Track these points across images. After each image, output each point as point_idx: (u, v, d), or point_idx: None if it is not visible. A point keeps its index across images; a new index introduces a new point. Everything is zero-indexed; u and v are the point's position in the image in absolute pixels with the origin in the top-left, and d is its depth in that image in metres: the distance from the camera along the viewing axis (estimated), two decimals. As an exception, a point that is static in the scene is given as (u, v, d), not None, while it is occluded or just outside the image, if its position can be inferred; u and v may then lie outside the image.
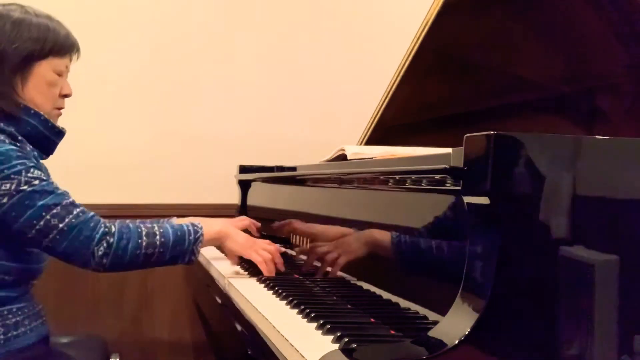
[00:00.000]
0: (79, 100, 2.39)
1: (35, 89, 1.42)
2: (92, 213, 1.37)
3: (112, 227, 1.36)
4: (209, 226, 1.49)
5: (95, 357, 1.72)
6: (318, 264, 1.50)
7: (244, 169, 2.36)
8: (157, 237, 1.38)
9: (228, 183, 2.44)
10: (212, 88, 2.60)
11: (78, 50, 1.50)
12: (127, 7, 2.50)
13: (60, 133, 1.49)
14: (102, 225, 1.35)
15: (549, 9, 1.68)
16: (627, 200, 0.93)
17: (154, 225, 1.43)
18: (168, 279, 2.45)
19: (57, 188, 1.35)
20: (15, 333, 1.36)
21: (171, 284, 2.47)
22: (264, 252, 1.52)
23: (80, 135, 2.43)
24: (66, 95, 1.50)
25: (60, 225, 1.31)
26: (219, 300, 1.57)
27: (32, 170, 1.32)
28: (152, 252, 1.38)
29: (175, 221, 1.67)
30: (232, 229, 1.55)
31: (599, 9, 1.63)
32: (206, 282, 1.78)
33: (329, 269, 1.44)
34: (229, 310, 1.43)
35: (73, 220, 1.32)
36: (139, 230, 1.38)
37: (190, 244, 1.42)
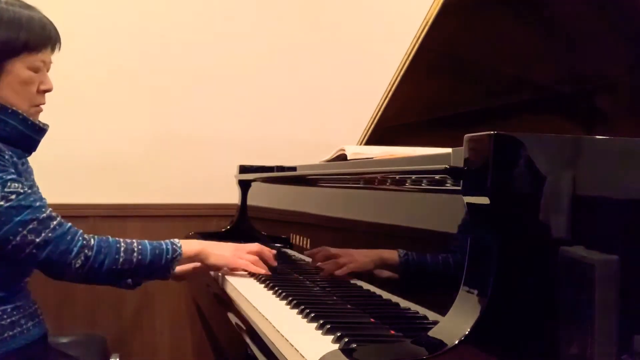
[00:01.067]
0: (78, 100, 2.41)
1: (8, 88, 1.34)
2: (69, 225, 1.36)
3: (92, 240, 1.36)
4: (188, 245, 1.49)
5: (95, 357, 1.72)
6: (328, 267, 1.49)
7: (244, 169, 2.36)
8: (135, 254, 1.39)
9: (228, 183, 2.44)
10: (212, 88, 2.60)
11: (57, 41, 1.40)
12: (128, 7, 2.50)
13: (41, 130, 1.43)
14: (81, 238, 1.35)
15: (549, 9, 1.68)
16: (627, 200, 0.93)
17: (134, 241, 1.42)
18: (168, 279, 2.45)
19: (34, 201, 1.32)
20: (11, 333, 1.36)
21: (171, 284, 2.46)
22: (249, 255, 1.54)
23: (80, 136, 2.43)
24: (46, 91, 1.41)
25: (37, 240, 1.30)
26: (219, 300, 1.57)
27: (9, 184, 1.29)
28: (127, 268, 1.39)
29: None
30: (212, 245, 1.53)
31: (599, 9, 1.63)
32: (206, 282, 1.78)
33: (333, 268, 1.42)
34: (229, 310, 1.43)
35: (50, 234, 1.31)
36: (118, 245, 1.38)
37: (167, 262, 1.43)
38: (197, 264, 1.55)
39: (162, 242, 1.45)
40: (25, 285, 1.45)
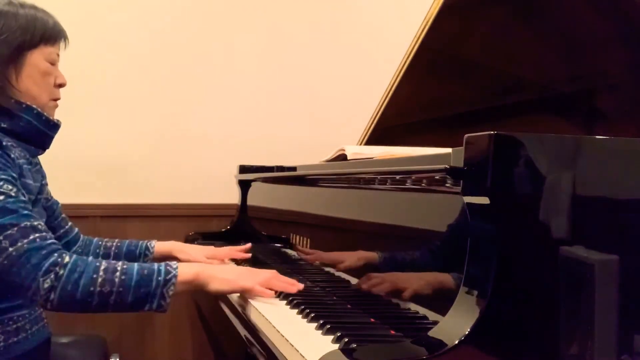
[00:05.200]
0: (79, 100, 2.40)
1: (30, 80, 1.36)
2: (50, 241, 1.21)
3: (67, 257, 1.19)
4: (186, 267, 1.28)
5: (95, 357, 1.72)
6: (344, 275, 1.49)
7: (244, 169, 2.36)
8: (118, 273, 1.20)
9: (228, 183, 2.44)
10: (212, 88, 2.60)
11: (66, 37, 1.45)
12: (128, 7, 2.50)
13: (55, 126, 1.43)
14: (56, 255, 1.19)
15: (549, 9, 1.68)
16: (627, 200, 0.93)
17: (118, 262, 1.24)
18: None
19: (22, 208, 1.22)
20: (15, 339, 1.33)
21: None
22: (257, 276, 1.33)
23: (80, 136, 2.43)
24: (61, 85, 1.44)
25: (10, 249, 1.17)
26: (219, 301, 1.57)
27: (1, 183, 1.22)
28: (109, 291, 1.18)
29: (156, 246, 1.63)
30: (215, 269, 1.33)
31: (599, 9, 1.63)
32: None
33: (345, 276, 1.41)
34: (229, 310, 1.43)
35: (25, 245, 1.17)
36: (97, 264, 1.21)
37: (159, 285, 1.21)
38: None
39: (156, 263, 1.27)
40: None
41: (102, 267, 1.20)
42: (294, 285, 1.33)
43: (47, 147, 1.46)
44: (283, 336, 1.03)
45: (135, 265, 1.24)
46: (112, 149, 2.49)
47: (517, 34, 1.77)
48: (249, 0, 2.65)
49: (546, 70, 1.83)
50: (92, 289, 1.18)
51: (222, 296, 1.53)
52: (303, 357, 0.93)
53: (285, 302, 1.27)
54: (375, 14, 2.73)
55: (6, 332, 1.32)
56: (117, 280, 1.20)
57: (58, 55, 1.43)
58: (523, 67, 1.83)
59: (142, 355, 2.51)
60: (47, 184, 1.54)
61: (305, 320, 1.13)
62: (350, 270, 1.38)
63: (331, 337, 0.99)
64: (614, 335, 0.90)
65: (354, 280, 1.37)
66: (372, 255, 1.29)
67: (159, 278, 1.22)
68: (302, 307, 1.18)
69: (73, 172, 2.43)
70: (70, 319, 2.39)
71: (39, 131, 1.39)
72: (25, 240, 1.18)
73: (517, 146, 0.87)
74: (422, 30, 1.72)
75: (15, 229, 1.19)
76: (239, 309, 1.36)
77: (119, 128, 2.50)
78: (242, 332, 1.27)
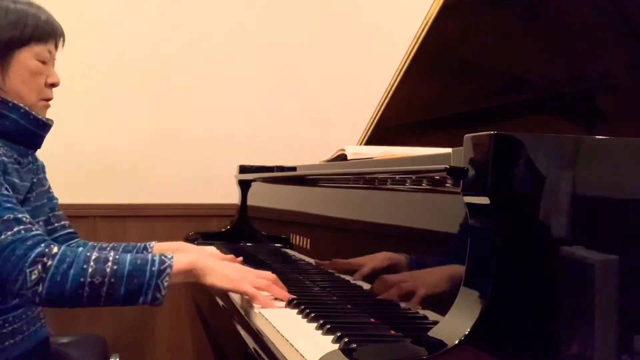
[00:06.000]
0: (78, 100, 2.41)
1: (18, 79, 1.32)
2: (36, 232, 1.17)
3: (55, 248, 1.15)
4: (182, 257, 1.24)
5: (95, 357, 1.71)
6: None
7: (244, 169, 2.36)
8: (109, 264, 1.14)
9: (228, 183, 2.44)
10: (212, 88, 2.60)
11: (62, 35, 1.39)
12: (127, 7, 2.50)
13: (45, 125, 1.38)
14: (42, 245, 1.14)
15: (549, 9, 1.68)
16: (627, 200, 0.93)
17: (110, 252, 1.23)
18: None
19: (6, 202, 1.18)
20: (12, 341, 1.31)
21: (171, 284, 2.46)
22: (258, 280, 1.27)
23: (80, 136, 2.43)
24: (53, 85, 1.39)
25: None
26: (219, 300, 1.57)
27: None
28: (100, 282, 1.13)
29: (155, 247, 1.50)
30: (213, 262, 1.27)
31: (598, 9, 1.63)
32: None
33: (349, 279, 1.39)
34: (229, 310, 1.43)
35: (10, 237, 1.13)
36: (87, 254, 1.16)
37: (153, 276, 1.16)
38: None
39: (150, 254, 1.23)
40: None
41: (93, 257, 1.15)
42: (285, 295, 1.27)
43: (38, 147, 1.42)
44: (283, 336, 1.03)
45: (128, 255, 1.18)
46: (112, 149, 2.49)
47: (517, 34, 1.77)
48: (249, 0, 2.65)
49: (546, 70, 1.83)
50: (82, 279, 1.12)
51: (222, 295, 1.53)
52: (303, 357, 0.93)
53: (285, 302, 1.27)
54: (375, 14, 2.73)
55: (2, 334, 1.29)
56: (108, 270, 1.14)
57: (50, 52, 1.37)
58: (523, 67, 1.83)
59: (142, 355, 2.51)
60: (44, 184, 1.50)
61: (305, 320, 1.13)
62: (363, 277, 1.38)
63: (331, 337, 0.99)
64: (614, 335, 0.90)
65: (354, 280, 1.37)
66: (375, 257, 1.29)
67: (153, 268, 1.16)
68: (302, 307, 1.18)
69: (73, 172, 2.43)
70: (70, 318, 2.39)
71: (27, 130, 1.35)
72: (9, 233, 1.14)
73: (517, 146, 0.87)
74: (422, 31, 1.72)
75: None
76: (239, 309, 1.36)
77: (119, 128, 2.50)
78: (242, 332, 1.26)
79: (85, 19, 2.43)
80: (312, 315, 1.12)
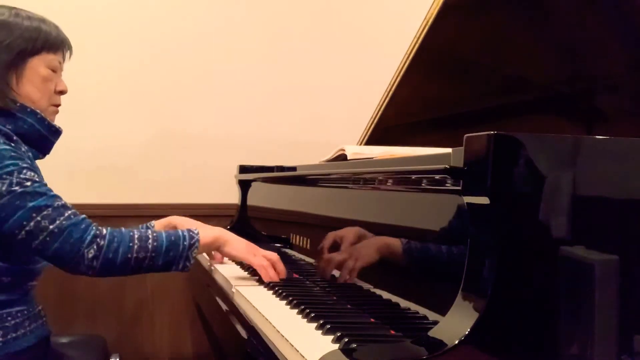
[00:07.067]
0: (79, 100, 2.40)
1: (30, 85, 1.42)
2: (83, 216, 1.34)
3: (104, 230, 1.34)
4: (206, 231, 1.46)
5: (95, 357, 1.72)
6: (335, 272, 1.48)
7: (244, 169, 2.36)
8: (150, 241, 1.35)
9: (228, 183, 2.44)
10: (212, 88, 2.60)
11: (70, 47, 1.51)
12: (127, 6, 2.50)
13: (57, 132, 1.48)
14: (94, 227, 1.33)
15: (549, 10, 1.68)
16: (627, 200, 0.93)
17: (148, 230, 1.41)
18: (168, 279, 2.45)
19: (49, 190, 1.33)
20: (14, 335, 1.36)
21: (171, 284, 2.47)
22: (263, 258, 1.48)
23: (80, 136, 2.43)
24: (62, 92, 1.50)
25: (51, 227, 1.28)
26: (219, 301, 1.57)
27: (24, 171, 1.31)
28: (143, 257, 1.34)
29: (156, 225, 1.66)
30: (231, 234, 1.51)
31: (598, 9, 1.63)
32: (206, 282, 1.78)
33: (347, 276, 1.39)
34: (229, 310, 1.43)
35: (64, 222, 1.29)
36: (131, 234, 1.36)
37: (185, 249, 1.38)
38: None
39: (178, 230, 1.43)
40: (30, 288, 1.45)
41: (136, 236, 1.35)
42: (281, 274, 1.48)
43: (47, 153, 1.50)
44: (283, 336, 1.03)
45: (164, 233, 1.39)
46: (112, 149, 2.49)
47: (517, 34, 1.77)
48: (250, 1, 2.65)
49: (546, 70, 1.83)
50: (129, 255, 1.33)
51: (222, 295, 1.54)
52: (303, 357, 0.92)
53: (285, 302, 1.27)
54: (375, 14, 2.73)
55: (4, 327, 1.35)
56: (150, 246, 1.35)
57: (60, 63, 1.48)
58: (523, 67, 1.83)
59: (142, 355, 2.51)
60: None
61: (305, 320, 1.13)
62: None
63: (331, 337, 0.99)
64: (614, 335, 0.90)
65: (354, 280, 1.37)
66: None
67: (185, 243, 1.38)
68: (302, 307, 1.18)
69: (73, 172, 2.43)
70: (70, 318, 2.40)
71: (41, 135, 1.44)
72: (62, 218, 1.30)
73: (517, 146, 0.87)
74: (422, 30, 1.72)
75: (50, 209, 1.30)
76: (240, 309, 1.36)
77: (119, 128, 2.50)
78: (242, 332, 1.27)
79: (85, 18, 2.43)
80: (312, 315, 1.12)
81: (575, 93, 1.85)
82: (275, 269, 1.47)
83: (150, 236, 1.36)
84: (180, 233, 1.40)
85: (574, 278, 0.88)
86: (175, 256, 1.37)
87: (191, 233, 1.41)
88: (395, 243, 1.20)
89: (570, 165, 0.89)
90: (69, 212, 1.32)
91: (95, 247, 1.30)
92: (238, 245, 1.49)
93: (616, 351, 0.90)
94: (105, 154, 2.48)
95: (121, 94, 2.50)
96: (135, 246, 1.34)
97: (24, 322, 1.39)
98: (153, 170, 2.53)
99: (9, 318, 1.36)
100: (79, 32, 2.39)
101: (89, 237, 1.30)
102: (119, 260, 1.32)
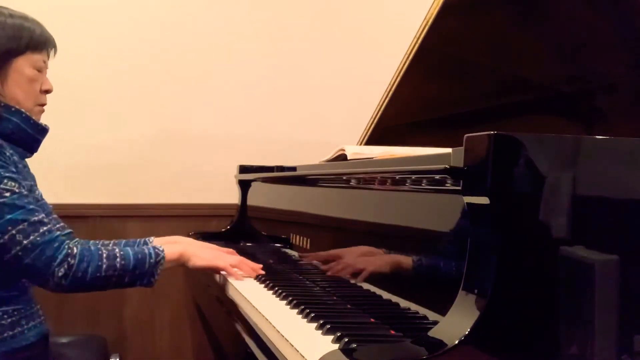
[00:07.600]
0: (78, 100, 2.41)
1: (16, 85, 1.42)
2: (57, 233, 1.36)
3: (75, 248, 1.35)
4: (171, 248, 1.49)
5: (95, 357, 1.72)
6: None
7: (244, 169, 2.36)
8: (118, 259, 1.38)
9: (228, 183, 2.44)
10: (212, 88, 2.60)
11: (54, 45, 1.50)
12: (128, 6, 2.50)
13: (43, 130, 1.48)
14: (66, 246, 1.34)
15: (549, 10, 1.68)
16: (627, 200, 0.93)
17: (115, 248, 1.43)
18: (168, 279, 2.42)
19: (28, 203, 1.33)
20: (11, 333, 1.36)
21: (171, 284, 2.46)
22: (231, 257, 1.54)
23: (80, 135, 2.43)
24: (47, 91, 1.49)
25: (24, 242, 1.30)
26: (219, 301, 1.57)
27: (5, 181, 1.31)
28: (111, 275, 1.37)
29: (155, 241, 1.66)
30: (195, 247, 1.55)
31: (598, 9, 1.63)
32: (206, 283, 1.78)
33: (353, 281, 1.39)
34: (229, 310, 1.43)
35: (38, 238, 1.31)
36: (100, 252, 1.38)
37: (150, 266, 1.42)
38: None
39: (145, 247, 1.46)
40: (27, 286, 1.45)
41: (105, 255, 1.38)
42: (255, 271, 1.54)
43: (35, 151, 1.50)
44: (283, 336, 1.03)
45: (131, 251, 1.42)
46: (112, 149, 2.49)
47: (517, 34, 1.77)
48: (249, 1, 2.65)
49: (546, 70, 1.83)
50: (98, 274, 1.36)
51: (224, 295, 1.54)
52: (303, 357, 0.93)
53: (285, 302, 1.27)
54: (375, 14, 2.73)
55: (1, 325, 1.36)
56: (117, 265, 1.38)
57: (45, 62, 1.48)
58: (523, 67, 1.83)
59: (142, 355, 2.51)
60: (36, 186, 1.53)
61: (305, 320, 1.13)
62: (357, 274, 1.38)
63: (331, 337, 0.99)
64: (614, 335, 0.90)
65: (354, 280, 1.37)
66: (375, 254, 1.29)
67: (151, 260, 1.42)
68: (302, 307, 1.18)
69: (72, 172, 2.43)
70: (70, 319, 2.39)
71: (28, 134, 1.44)
72: (37, 234, 1.31)
73: (517, 146, 0.87)
74: (422, 30, 1.72)
75: (26, 223, 1.31)
76: (240, 309, 1.36)
77: (118, 128, 2.50)
78: (242, 332, 1.27)
79: (85, 18, 2.43)
80: (312, 315, 1.12)
81: (575, 93, 1.85)
82: (245, 267, 1.53)
83: (118, 255, 1.39)
84: (147, 251, 1.43)
85: (574, 278, 0.88)
86: (141, 273, 1.42)
87: (157, 250, 1.45)
88: (399, 260, 1.20)
89: (570, 165, 0.89)
90: (44, 228, 1.33)
91: (65, 266, 1.32)
92: (203, 254, 1.52)
93: (616, 351, 0.90)
94: (105, 153, 2.48)
95: (121, 94, 2.50)
96: (104, 265, 1.37)
97: (21, 321, 1.39)
98: (153, 170, 2.53)
99: (5, 316, 1.37)
100: (79, 32, 2.40)
101: (60, 256, 1.32)
102: (88, 279, 1.35)
